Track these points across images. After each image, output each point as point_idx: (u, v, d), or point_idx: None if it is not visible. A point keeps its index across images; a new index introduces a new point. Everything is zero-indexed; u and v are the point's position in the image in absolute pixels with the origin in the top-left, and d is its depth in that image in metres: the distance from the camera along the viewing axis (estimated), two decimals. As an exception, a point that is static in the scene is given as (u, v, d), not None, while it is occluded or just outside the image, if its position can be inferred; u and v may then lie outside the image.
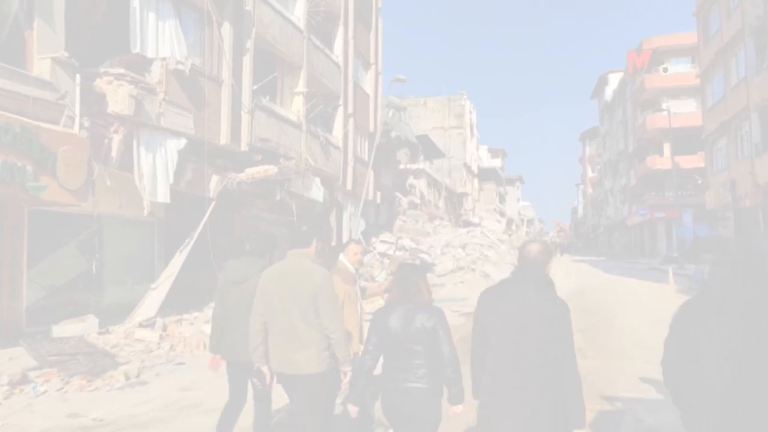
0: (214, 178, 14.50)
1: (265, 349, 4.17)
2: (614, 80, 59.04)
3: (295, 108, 18.71)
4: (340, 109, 22.31)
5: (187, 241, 13.95)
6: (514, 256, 27.12)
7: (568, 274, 28.92)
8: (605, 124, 66.06)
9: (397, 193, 35.70)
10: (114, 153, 11.22)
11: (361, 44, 25.10)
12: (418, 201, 38.09)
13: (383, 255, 26.33)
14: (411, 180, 38.63)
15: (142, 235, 14.43)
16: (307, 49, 19.06)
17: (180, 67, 12.59)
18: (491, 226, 74.88)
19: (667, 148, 39.34)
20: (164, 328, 10.86)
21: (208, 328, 11.00)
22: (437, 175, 49.33)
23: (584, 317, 12.76)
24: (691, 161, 40.31)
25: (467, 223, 58.79)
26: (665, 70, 43.77)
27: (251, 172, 15.57)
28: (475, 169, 66.35)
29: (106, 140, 11.06)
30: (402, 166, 39.04)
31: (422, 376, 3.66)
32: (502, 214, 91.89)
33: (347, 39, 22.91)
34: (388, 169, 36.44)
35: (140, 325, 10.98)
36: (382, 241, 27.72)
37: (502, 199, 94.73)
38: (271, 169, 15.88)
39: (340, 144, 22.14)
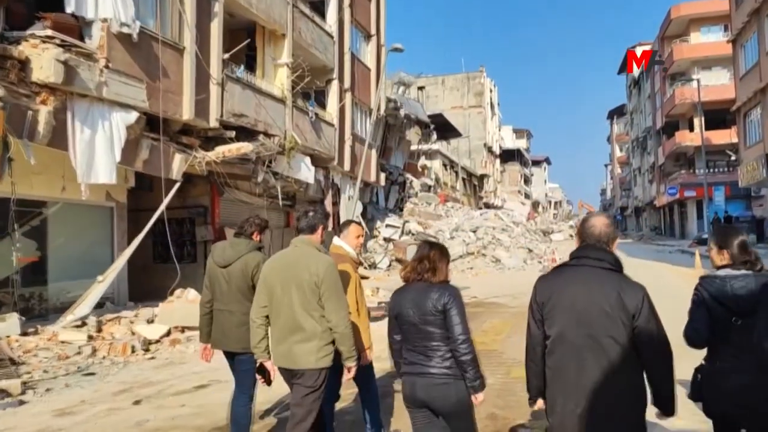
0: (177, 158, 13.04)
1: (267, 344, 3.96)
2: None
3: (279, 81, 17.14)
4: (334, 84, 20.67)
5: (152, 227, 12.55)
6: (532, 238, 25.24)
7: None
8: (633, 101, 63.26)
9: (408, 175, 34.03)
10: (41, 128, 9.78)
11: (360, 14, 23.38)
12: (431, 183, 36.38)
13: (388, 240, 24.81)
14: (423, 161, 36.88)
15: (97, 222, 13.09)
16: (293, 16, 17.44)
17: (126, 30, 11.09)
18: (516, 209, 73.17)
19: (697, 123, 36.88)
20: (98, 328, 9.44)
21: (142, 328, 9.66)
22: (454, 156, 47.49)
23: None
24: (723, 136, 37.86)
25: (488, 206, 56.95)
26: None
27: (222, 150, 14.09)
28: (496, 149, 64.23)
29: (30, 113, 9.61)
30: (414, 147, 37.32)
31: (441, 360, 3.42)
32: (527, 196, 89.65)
33: (342, 7, 21.20)
34: (399, 149, 34.79)
35: (74, 325, 9.59)
36: (387, 226, 26.19)
37: (527, 180, 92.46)
38: (245, 147, 14.38)
39: (335, 121, 20.52)
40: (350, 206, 20.21)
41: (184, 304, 10.01)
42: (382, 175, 26.23)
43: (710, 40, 40.70)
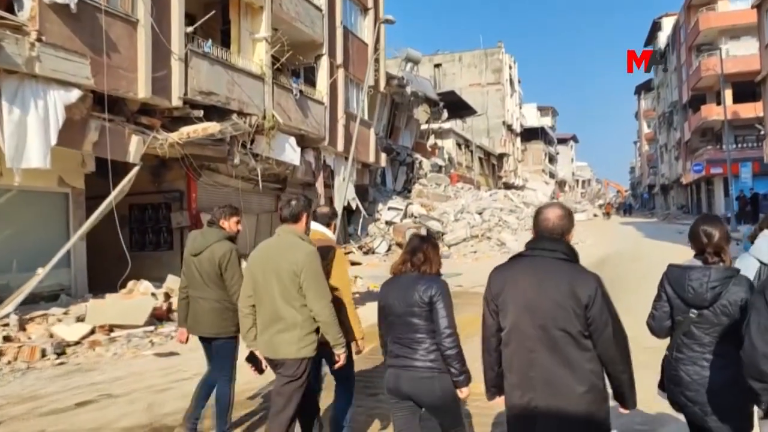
0: (134, 139, 12.14)
1: (256, 332, 3.97)
2: (668, 25, 53.78)
3: (258, 57, 16.10)
4: (324, 60, 19.55)
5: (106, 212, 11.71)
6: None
7: (602, 241, 25.75)
8: (659, 74, 60.78)
9: (417, 155, 32.83)
10: (-40, 108, 8.94)
11: (354, -15, 22.16)
12: (443, 163, 35.11)
13: (390, 223, 23.77)
14: (432, 140, 35.59)
15: (50, 210, 12.29)
16: (271, -14, 16.36)
17: (62, 0, 10.15)
18: (540, 188, 71.38)
19: (724, 96, 34.90)
20: (21, 327, 8.60)
21: (61, 329, 8.81)
22: (471, 135, 46.05)
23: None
24: (752, 109, 35.75)
25: (507, 186, 55.45)
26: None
27: (186, 131, 13.15)
28: (517, 127, 62.43)
29: (-55, 92, 8.77)
30: (424, 126, 36.03)
31: (425, 353, 3.37)
32: (552, 175, 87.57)
33: (331, -22, 20.03)
34: (407, 129, 33.59)
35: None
36: (390, 208, 25.12)
37: (552, 159, 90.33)
38: (212, 128, 13.43)
39: (325, 99, 19.44)
40: (342, 188, 19.16)
41: (116, 300, 9.14)
42: (384, 156, 25.06)
43: (738, 8, 38.36)
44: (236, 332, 4.47)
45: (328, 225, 4.63)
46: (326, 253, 4.22)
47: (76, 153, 11.87)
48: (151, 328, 8.61)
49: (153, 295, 10.48)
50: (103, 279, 13.24)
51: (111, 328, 8.31)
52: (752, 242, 3.81)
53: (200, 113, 13.64)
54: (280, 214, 4.06)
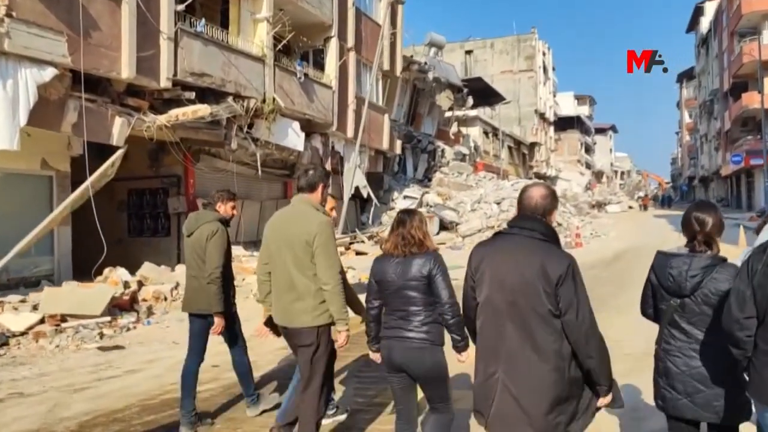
0: (118, 121, 11.73)
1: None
2: (711, 9, 51.52)
3: (259, 38, 15.57)
4: (333, 42, 18.91)
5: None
6: (564, 211, 22.89)
7: (626, 234, 24.65)
8: (701, 62, 58.44)
9: (440, 143, 32.00)
10: None
11: (367, -37, 21.41)
12: (467, 151, 34.19)
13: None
14: (455, 128, 34.65)
15: (33, 193, 11.98)
16: (272, -36, 15.76)
17: (34, -25, 9.75)
18: (574, 178, 69.65)
19: (761, 82, 33.11)
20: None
21: (7, 318, 8.40)
22: (500, 123, 44.89)
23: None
24: (796, 97, 33.89)
25: (539, 176, 54.12)
26: None
27: (175, 113, 12.71)
28: (550, 116, 60.82)
29: None
30: (448, 114, 35.13)
31: (419, 325, 3.48)
32: (588, 166, 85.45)
33: (342, -43, 19.34)
34: (430, 116, 32.79)
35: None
36: (405, 197, 24.44)
37: (588, 149, 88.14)
38: (202, 110, 12.95)
39: (333, 83, 18.81)
40: (348, 175, 18.57)
41: (74, 289, 8.72)
42: (399, 143, 24.34)
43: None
44: (227, 306, 4.77)
45: (313, 188, 4.42)
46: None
47: (61, 135, 11.52)
48: (107, 319, 8.17)
49: (126, 283, 10.08)
50: (104, 263, 12.94)
51: (63, 318, 7.89)
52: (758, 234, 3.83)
53: (192, 95, 13.17)
54: (297, 184, 4.10)
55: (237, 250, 15.57)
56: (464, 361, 3.49)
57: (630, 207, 60.44)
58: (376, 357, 3.73)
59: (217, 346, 5.24)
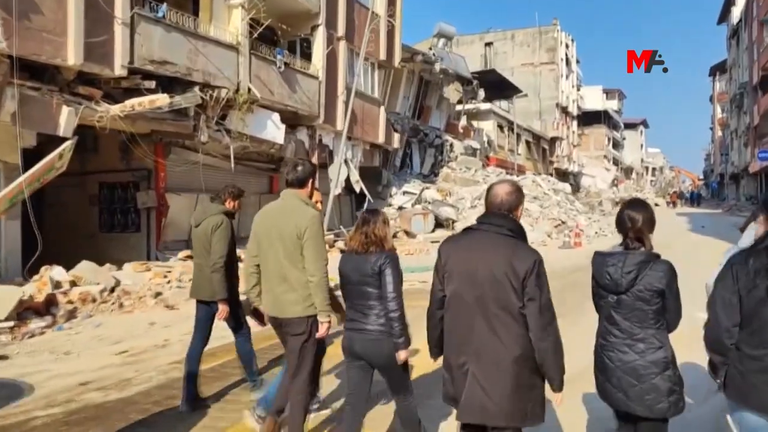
0: (65, 111, 11.10)
1: (260, 290, 4.20)
2: (743, -1, 49.38)
3: (233, 26, 14.84)
4: (320, 31, 18.09)
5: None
6: (571, 209, 21.78)
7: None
8: (732, 54, 56.17)
9: (448, 137, 31.01)
10: None
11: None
12: (477, 146, 33.11)
13: (401, 209, 22.28)
14: (464, 122, 33.55)
15: (-24, 185, 11.41)
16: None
17: (-40, -47, 9.15)
18: (599, 174, 67.84)
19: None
20: None
21: None
22: (520, 117, 43.58)
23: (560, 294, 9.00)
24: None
25: (560, 171, 52.71)
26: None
27: (131, 103, 12.04)
28: (573, 110, 59.14)
29: None
30: (459, 107, 34.07)
31: (376, 318, 3.70)
32: (616, 162, 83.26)
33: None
34: (439, 109, 31.80)
35: None
36: (405, 192, 23.59)
37: (616, 144, 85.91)
38: (160, 100, 12.26)
39: (320, 74, 18.01)
40: (334, 169, 17.77)
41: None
42: (397, 136, 23.43)
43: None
44: (231, 294, 5.05)
45: (302, 184, 4.58)
46: None
47: (9, 125, 10.95)
48: (10, 324, 7.52)
49: (57, 283, 9.45)
50: (73, 259, 12.42)
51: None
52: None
53: (152, 84, 12.50)
54: (286, 179, 4.18)
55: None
56: (403, 359, 3.66)
57: (656, 204, 58.67)
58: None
59: (221, 331, 5.56)
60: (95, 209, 15.67)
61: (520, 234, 2.95)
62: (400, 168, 27.75)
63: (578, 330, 6.30)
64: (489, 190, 3.08)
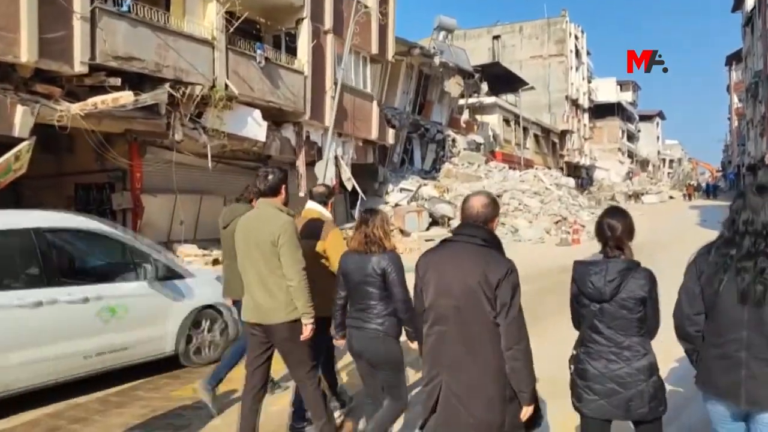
0: (20, 110, 10.61)
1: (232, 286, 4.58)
2: (758, -15, 47.93)
3: (209, 20, 14.28)
4: (305, 24, 17.46)
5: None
6: (573, 204, 20.98)
7: (642, 229, 22.51)
8: (747, 42, 54.70)
9: (450, 132, 30.31)
10: None
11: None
12: (481, 141, 32.37)
13: (396, 206, 21.66)
14: (466, 116, 32.80)
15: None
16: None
17: None
18: (613, 167, 66.67)
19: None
20: None
21: None
22: (528, 111, 42.70)
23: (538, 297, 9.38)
24: None
25: (571, 165, 51.75)
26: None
27: (93, 101, 11.52)
28: (584, 103, 58.05)
29: None
30: (462, 101, 33.30)
31: (375, 317, 3.81)
32: (631, 155, 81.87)
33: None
34: (441, 103, 31.10)
35: None
36: (402, 189, 22.96)
37: (631, 137, 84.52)
38: (124, 97, 11.72)
39: (306, 69, 17.40)
40: (321, 167, 17.18)
41: None
42: (391, 132, 22.77)
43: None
44: None
45: (324, 204, 4.85)
46: (323, 232, 4.58)
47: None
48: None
49: None
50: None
51: None
52: None
53: (117, 81, 11.97)
54: (258, 188, 4.25)
55: (190, 249, 14.44)
56: (416, 347, 3.53)
57: (671, 197, 57.43)
58: (339, 343, 4.28)
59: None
60: (72, 211, 15.19)
61: (494, 244, 2.97)
62: (400, 164, 27.13)
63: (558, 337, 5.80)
64: (465, 201, 3.10)
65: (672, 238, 18.14)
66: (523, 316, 2.84)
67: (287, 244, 3.95)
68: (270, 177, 4.16)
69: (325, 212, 4.80)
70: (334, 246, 4.53)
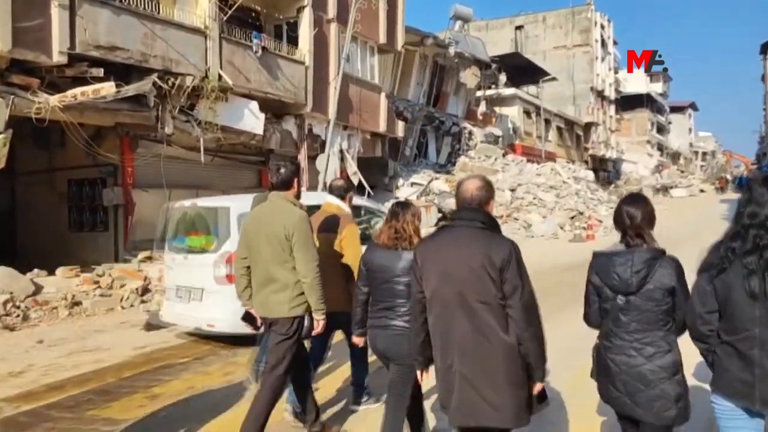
0: (-6, 102, 10.19)
1: (250, 293, 4.26)
2: (793, -31, 46.03)
3: (201, 8, 13.75)
4: (307, 12, 16.83)
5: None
6: (591, 198, 20.08)
7: (665, 224, 21.50)
8: (782, 29, 52.65)
9: (467, 124, 29.48)
10: None
11: None
12: (500, 133, 31.48)
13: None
14: (483, 107, 31.91)
15: None
16: None
17: None
18: (641, 160, 65.03)
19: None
20: None
21: None
22: (551, 103, 41.58)
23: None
24: None
25: (596, 158, 50.47)
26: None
27: (74, 93, 11.06)
28: (610, 94, 56.53)
29: None
30: (479, 93, 32.42)
31: (402, 315, 3.69)
32: (660, 147, 79.83)
33: None
34: (457, 95, 30.30)
35: None
36: (413, 184, 22.29)
37: (661, 129, 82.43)
38: (106, 89, 11.23)
39: (307, 59, 16.79)
40: (322, 160, 16.58)
41: None
42: (401, 124, 22.05)
43: None
44: None
45: (342, 198, 4.90)
46: (339, 226, 4.65)
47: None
48: None
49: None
50: (43, 261, 11.68)
51: None
52: None
53: (100, 72, 11.49)
54: (270, 182, 4.24)
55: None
56: None
57: (702, 191, 55.74)
58: (358, 341, 4.17)
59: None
60: (65, 207, 14.87)
61: (492, 226, 2.94)
62: (414, 158, 26.43)
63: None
64: (459, 185, 3.07)
65: (687, 235, 17.15)
66: (534, 295, 2.81)
67: (302, 241, 3.96)
68: (282, 170, 4.16)
69: (343, 206, 4.87)
70: (348, 240, 4.60)
